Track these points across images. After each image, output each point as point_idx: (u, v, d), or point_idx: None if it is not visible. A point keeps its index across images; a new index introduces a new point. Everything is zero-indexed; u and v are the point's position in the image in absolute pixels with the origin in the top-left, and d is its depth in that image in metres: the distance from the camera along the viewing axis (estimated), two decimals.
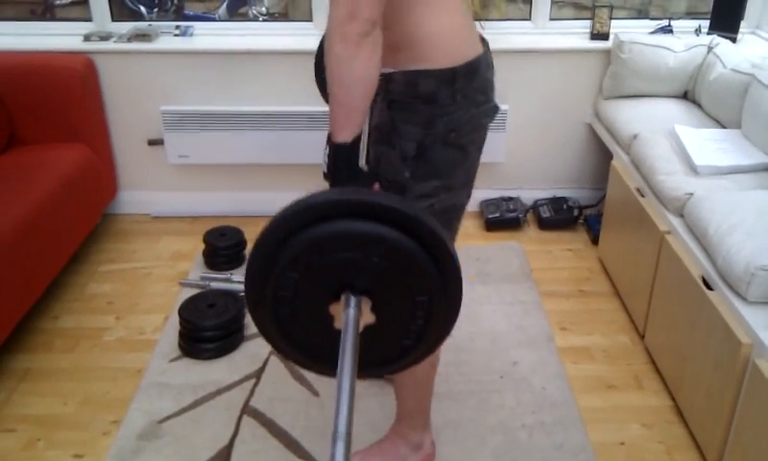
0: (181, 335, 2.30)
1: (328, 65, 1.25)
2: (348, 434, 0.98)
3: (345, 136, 1.29)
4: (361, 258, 1.12)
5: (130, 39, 2.90)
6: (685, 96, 2.88)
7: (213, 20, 3.99)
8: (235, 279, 2.65)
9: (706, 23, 2.97)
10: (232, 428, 2.00)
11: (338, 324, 1.16)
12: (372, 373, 1.31)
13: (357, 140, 1.31)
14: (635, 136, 2.56)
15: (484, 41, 1.49)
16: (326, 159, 1.35)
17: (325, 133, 1.38)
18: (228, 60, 2.90)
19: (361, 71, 1.24)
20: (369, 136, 1.50)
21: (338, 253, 1.12)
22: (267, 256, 1.12)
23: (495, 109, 1.49)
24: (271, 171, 3.11)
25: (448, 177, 1.47)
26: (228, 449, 1.93)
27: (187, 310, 2.29)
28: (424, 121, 1.40)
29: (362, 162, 1.41)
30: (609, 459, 1.92)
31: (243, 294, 2.66)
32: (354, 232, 1.10)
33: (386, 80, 1.38)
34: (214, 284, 2.62)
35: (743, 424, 1.68)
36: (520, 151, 3.14)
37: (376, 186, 1.46)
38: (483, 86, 1.45)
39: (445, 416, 2.03)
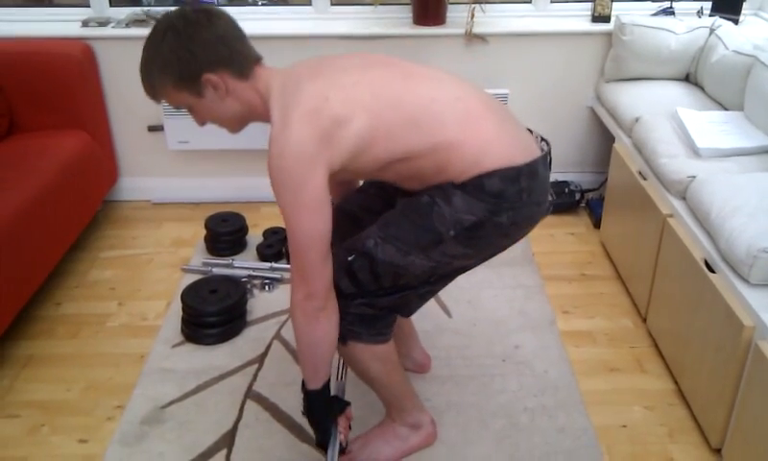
0: (184, 321, 2.30)
1: (295, 333, 1.50)
2: None
3: (315, 385, 1.55)
4: None
5: (128, 25, 2.89)
6: (687, 78, 2.86)
7: (213, 4, 3.97)
8: (237, 265, 2.65)
9: (708, 5, 2.96)
10: (236, 413, 2.00)
11: None
12: None
13: (326, 384, 1.56)
14: (636, 119, 2.55)
15: (544, 142, 1.60)
16: (303, 402, 1.60)
17: None
18: None
19: (320, 338, 1.48)
20: (428, 193, 1.54)
21: None
22: None
23: (551, 207, 1.59)
24: None
25: (482, 252, 1.58)
26: (231, 434, 1.93)
27: (189, 296, 2.29)
28: (492, 210, 1.46)
29: (333, 390, 1.66)
30: (611, 442, 1.92)
31: (245, 279, 2.67)
32: None
33: (459, 185, 1.45)
34: (216, 270, 2.62)
35: (745, 406, 1.69)
36: None
37: (348, 413, 1.66)
38: (543, 186, 1.53)
39: (447, 399, 2.04)
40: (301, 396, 1.60)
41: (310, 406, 1.58)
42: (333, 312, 1.49)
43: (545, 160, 1.55)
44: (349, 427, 1.67)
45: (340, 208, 1.83)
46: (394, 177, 1.53)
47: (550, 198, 1.59)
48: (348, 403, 1.66)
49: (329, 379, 1.57)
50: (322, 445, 1.61)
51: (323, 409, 1.59)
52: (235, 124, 1.56)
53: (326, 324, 1.48)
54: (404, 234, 1.51)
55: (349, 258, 1.54)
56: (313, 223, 1.38)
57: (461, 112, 1.46)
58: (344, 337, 1.59)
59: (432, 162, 1.45)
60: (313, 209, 1.37)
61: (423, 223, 1.49)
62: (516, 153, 1.48)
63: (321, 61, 1.52)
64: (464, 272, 1.65)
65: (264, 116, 1.50)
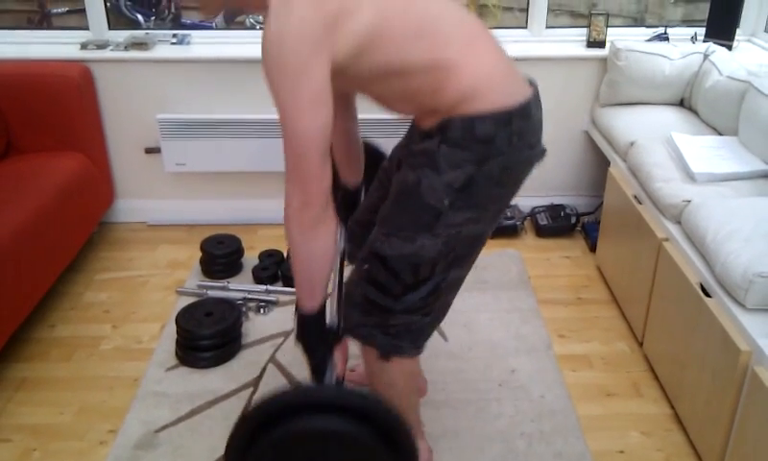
0: (178, 344, 2.29)
1: (290, 247, 1.37)
2: None
3: (310, 307, 1.43)
4: (323, 453, 1.26)
5: (126, 48, 2.91)
6: (682, 103, 2.88)
7: (210, 28, 4.00)
8: (233, 288, 2.64)
9: (701, 31, 2.99)
10: None
11: None
12: None
13: (323, 308, 1.44)
14: (631, 144, 2.56)
15: (532, 83, 1.53)
16: (296, 326, 1.48)
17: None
18: (225, 68, 2.90)
19: (319, 252, 1.38)
20: (404, 161, 1.51)
21: (299, 450, 1.23)
22: None
23: (544, 151, 1.54)
24: (268, 179, 3.11)
25: (484, 210, 1.50)
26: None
27: (184, 319, 2.28)
28: (478, 159, 1.41)
29: (329, 320, 1.52)
30: None
31: (240, 302, 2.65)
32: (311, 430, 1.22)
33: (442, 126, 1.41)
34: (211, 292, 2.61)
35: (742, 431, 1.68)
36: None
37: (344, 344, 1.56)
38: (536, 128, 1.49)
39: (444, 424, 2.03)
40: (296, 320, 1.50)
41: (304, 331, 1.47)
42: (332, 222, 1.38)
43: (537, 100, 1.49)
44: (346, 361, 1.58)
45: (354, 221, 1.83)
46: (388, 93, 1.45)
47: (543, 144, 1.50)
48: (345, 335, 1.58)
49: (326, 304, 1.46)
50: (316, 375, 1.52)
51: (318, 335, 1.48)
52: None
53: (324, 235, 1.37)
54: (402, 222, 1.46)
55: (365, 267, 1.50)
56: (313, 116, 1.26)
57: (465, 35, 1.41)
58: (387, 353, 1.53)
59: (427, 83, 1.38)
60: (314, 101, 1.25)
61: (416, 203, 1.44)
62: (511, 92, 1.42)
63: None
64: (480, 243, 1.56)
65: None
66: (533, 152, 1.49)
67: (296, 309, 1.48)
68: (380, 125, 2.68)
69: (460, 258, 1.53)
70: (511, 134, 1.41)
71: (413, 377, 1.68)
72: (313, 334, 1.47)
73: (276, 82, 1.24)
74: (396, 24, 1.35)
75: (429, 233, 1.45)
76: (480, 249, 1.58)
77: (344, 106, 1.78)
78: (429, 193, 1.42)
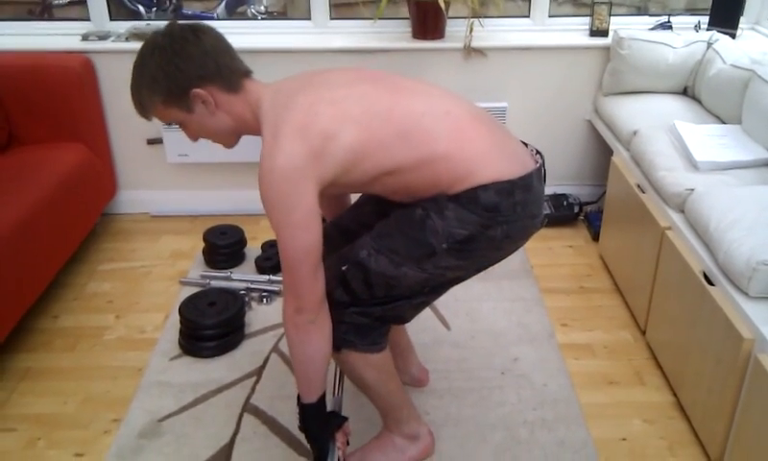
0: (182, 334, 2.30)
1: (288, 347, 1.50)
2: None
3: (310, 399, 1.55)
4: None
5: (128, 39, 2.90)
6: (685, 92, 2.87)
7: (212, 19, 3.99)
8: (236, 278, 2.65)
9: (705, 19, 2.97)
10: (233, 426, 1.99)
11: None
12: None
13: (322, 398, 1.56)
14: (634, 133, 2.55)
15: (538, 153, 1.60)
16: (298, 416, 1.59)
17: None
18: None
19: (313, 351, 1.49)
20: (421, 205, 1.55)
21: None
22: None
23: (545, 220, 1.62)
24: None
25: (474, 265, 1.58)
26: (228, 448, 1.92)
27: (188, 309, 2.29)
28: (484, 223, 1.47)
29: (330, 406, 1.65)
30: (610, 455, 1.91)
31: (243, 292, 2.67)
32: None
33: (453, 197, 1.47)
34: (214, 283, 2.62)
35: (745, 419, 1.68)
36: None
37: (346, 428, 1.65)
38: (538, 199, 1.55)
39: (446, 413, 2.03)
40: (298, 410, 1.59)
41: (306, 420, 1.58)
42: (325, 325, 1.49)
43: (540, 173, 1.56)
44: (347, 443, 1.67)
45: (335, 224, 1.84)
46: (382, 189, 1.53)
47: (545, 211, 1.60)
48: (345, 418, 1.65)
49: (325, 393, 1.57)
50: (319, 460, 1.61)
51: (319, 423, 1.59)
52: (227, 138, 1.57)
53: (318, 337, 1.48)
54: (397, 246, 1.51)
55: (343, 268, 1.55)
56: (304, 238, 1.38)
57: (452, 126, 1.47)
58: (338, 345, 1.59)
59: (421, 176, 1.46)
60: (304, 225, 1.38)
61: (417, 236, 1.49)
62: (510, 166, 1.48)
63: (311, 76, 1.53)
64: (457, 283, 1.65)
65: (256, 130, 1.51)
66: (534, 221, 1.56)
67: (298, 400, 1.58)
68: None
69: (433, 291, 1.62)
70: (515, 204, 1.48)
71: (382, 369, 1.69)
72: (314, 423, 1.59)
73: (269, 209, 1.38)
74: (381, 133, 1.42)
75: (417, 266, 1.51)
76: (454, 285, 1.66)
77: (336, 201, 1.89)
78: (432, 233, 1.48)
